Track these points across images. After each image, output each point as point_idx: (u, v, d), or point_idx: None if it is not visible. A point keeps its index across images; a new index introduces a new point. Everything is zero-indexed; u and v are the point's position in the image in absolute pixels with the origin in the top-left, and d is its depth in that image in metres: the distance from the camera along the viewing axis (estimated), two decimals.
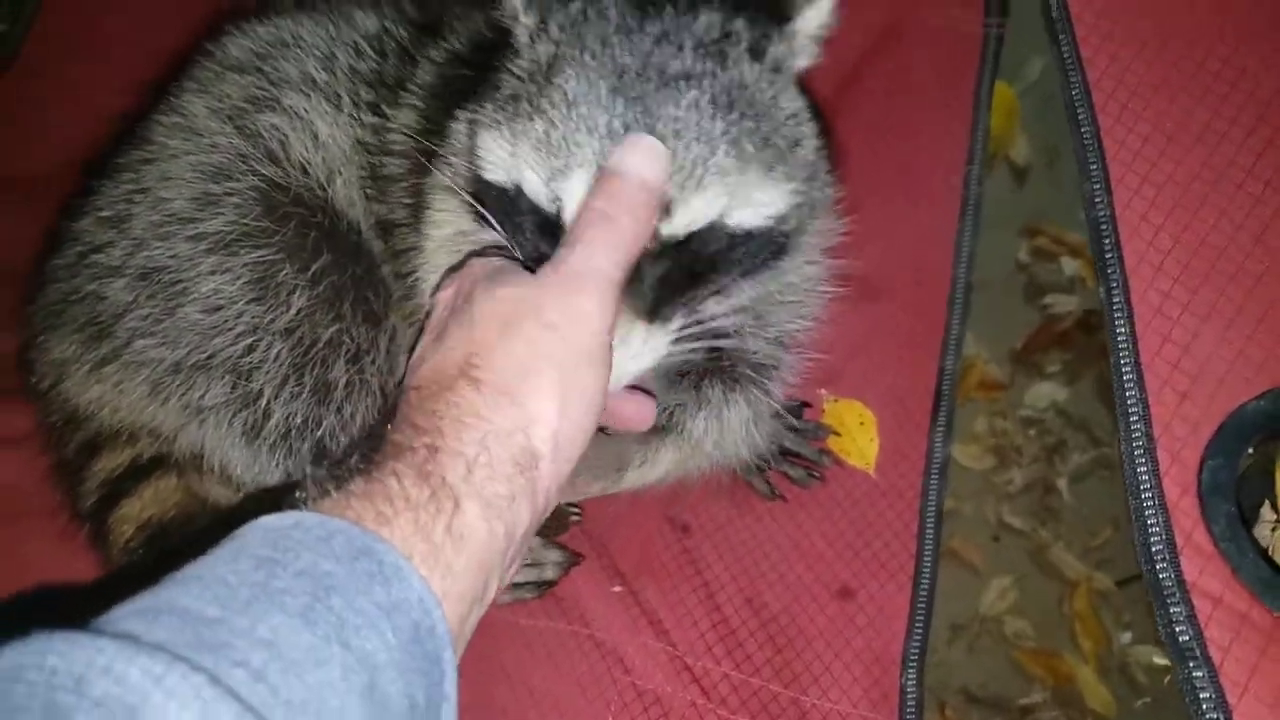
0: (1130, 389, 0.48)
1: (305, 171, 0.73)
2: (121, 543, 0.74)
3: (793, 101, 0.58)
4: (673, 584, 0.71)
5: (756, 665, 0.65)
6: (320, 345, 0.73)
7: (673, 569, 0.71)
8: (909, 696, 0.64)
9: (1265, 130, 0.57)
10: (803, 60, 0.57)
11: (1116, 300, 0.51)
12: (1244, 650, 0.40)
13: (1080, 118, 0.58)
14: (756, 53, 0.55)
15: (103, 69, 1.06)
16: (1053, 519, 1.17)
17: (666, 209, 0.51)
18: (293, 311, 0.73)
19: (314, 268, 0.72)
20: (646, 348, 0.53)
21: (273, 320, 0.73)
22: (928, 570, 0.68)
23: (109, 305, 0.75)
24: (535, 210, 0.54)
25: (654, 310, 0.52)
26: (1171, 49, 0.60)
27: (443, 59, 0.73)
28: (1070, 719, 1.27)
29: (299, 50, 0.76)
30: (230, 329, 0.72)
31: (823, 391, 0.79)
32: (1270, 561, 0.44)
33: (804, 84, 0.60)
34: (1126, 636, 1.11)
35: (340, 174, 0.73)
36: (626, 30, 0.54)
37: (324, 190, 0.73)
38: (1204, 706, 0.38)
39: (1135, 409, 0.47)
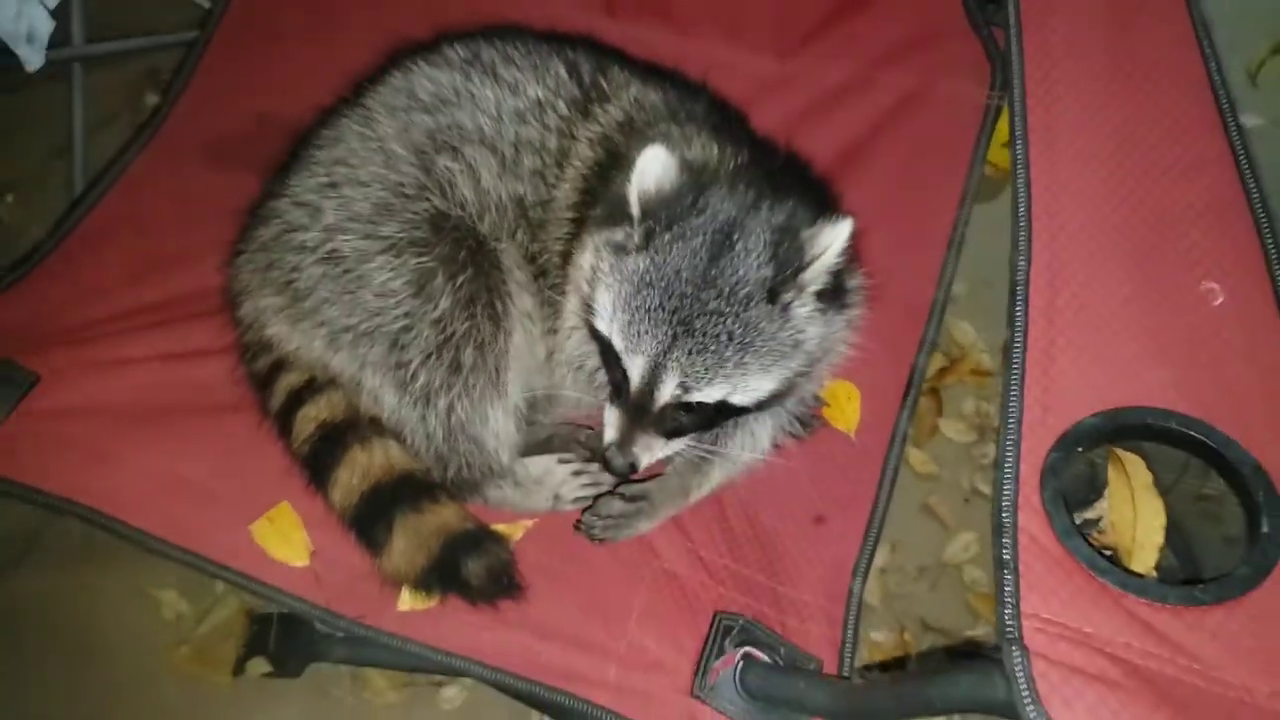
0: (1013, 403, 0.70)
1: (463, 207, 0.96)
2: (302, 436, 0.98)
3: (800, 312, 0.84)
4: (699, 506, 0.97)
5: (749, 561, 0.91)
6: (457, 335, 0.95)
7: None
8: (854, 596, 0.90)
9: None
10: (815, 286, 0.83)
11: (1017, 342, 0.75)
12: (1039, 566, 0.64)
13: (1020, 212, 0.80)
14: (772, 296, 0.82)
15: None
16: None
17: (686, 389, 0.82)
18: (441, 308, 0.95)
19: (460, 278, 0.95)
20: (663, 452, 0.87)
21: (425, 312, 0.95)
22: (880, 510, 0.94)
23: (304, 277, 0.98)
24: (616, 360, 0.84)
25: (670, 434, 0.86)
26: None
27: (595, 136, 0.97)
28: None
29: (474, 106, 0.98)
30: (393, 312, 0.95)
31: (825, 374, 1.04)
32: (1072, 520, 0.69)
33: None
34: None
35: (490, 213, 0.97)
36: (692, 268, 0.81)
37: (475, 223, 0.96)
38: (1005, 594, 0.63)
39: (1014, 416, 0.70)
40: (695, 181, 0.85)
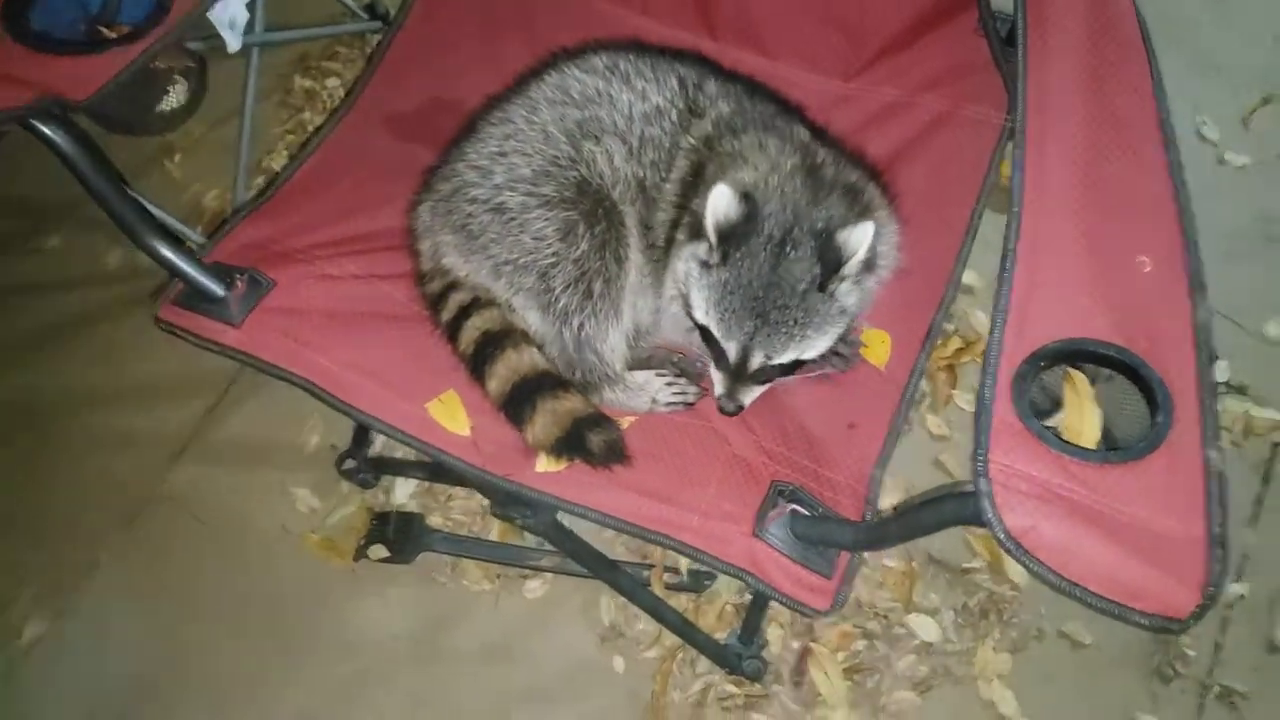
0: (997, 331, 0.93)
1: (601, 178, 1.26)
2: (467, 340, 1.26)
3: (842, 289, 1.16)
4: (760, 409, 1.25)
5: (799, 450, 1.20)
6: (591, 271, 1.24)
7: (760, 404, 1.26)
8: (875, 479, 1.19)
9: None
10: (852, 273, 1.15)
11: (1004, 292, 1.03)
12: (1004, 433, 0.89)
13: (1014, 202, 1.08)
14: (821, 287, 1.15)
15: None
16: None
17: (769, 357, 1.16)
18: (580, 249, 1.24)
19: (596, 229, 1.24)
20: (758, 393, 1.21)
21: (569, 252, 1.24)
22: (899, 422, 1.23)
23: (476, 223, 1.28)
24: (715, 342, 1.18)
25: (761, 383, 1.21)
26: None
27: (689, 146, 1.28)
28: (995, 582, 1.83)
29: (612, 106, 1.29)
30: (545, 251, 1.25)
31: (864, 322, 1.35)
32: (1030, 409, 0.98)
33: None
34: None
35: (619, 185, 1.27)
36: (760, 275, 1.14)
37: (609, 191, 1.26)
38: (978, 449, 0.92)
39: (997, 340, 0.94)
40: (752, 207, 1.15)
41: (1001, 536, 0.84)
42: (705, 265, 1.18)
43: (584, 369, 1.26)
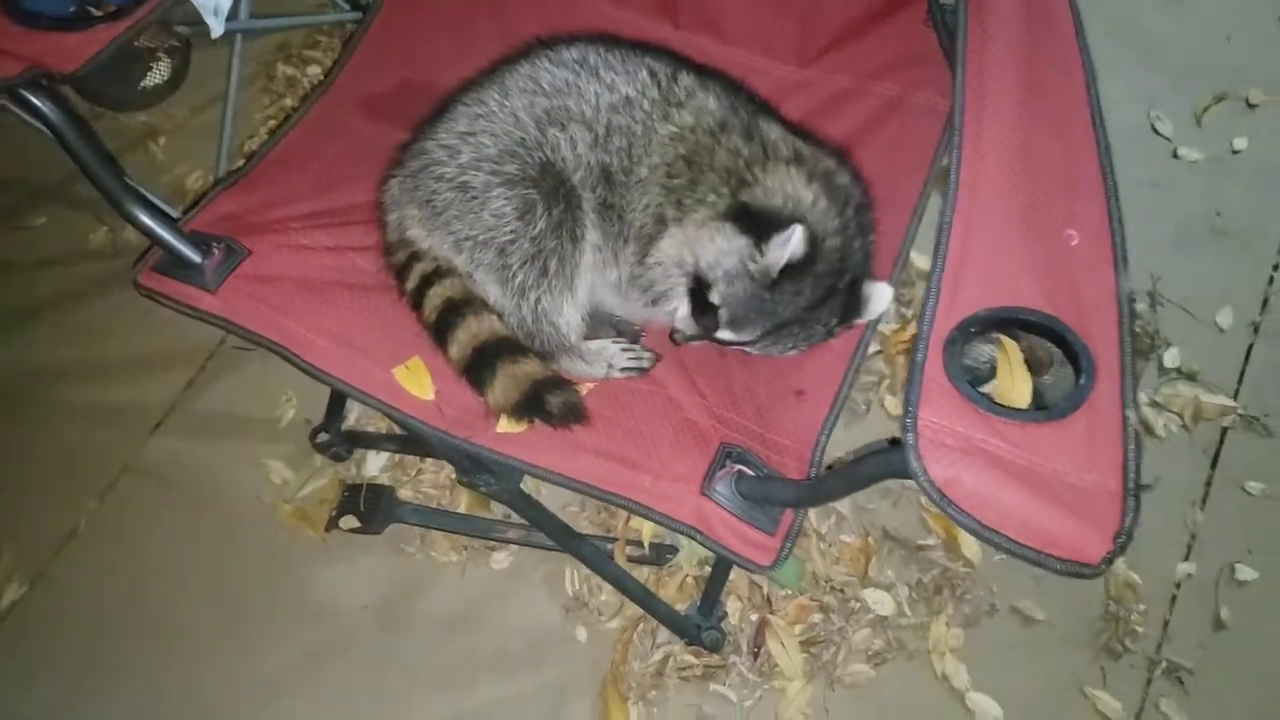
0: (932, 301, 0.96)
1: (564, 163, 1.31)
2: (430, 308, 1.30)
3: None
4: (712, 375, 1.31)
5: (747, 415, 1.25)
6: (546, 249, 1.28)
7: (712, 370, 1.32)
8: (819, 445, 1.24)
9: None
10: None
11: (938, 264, 1.07)
12: (934, 392, 0.91)
13: (952, 181, 1.13)
14: (831, 332, 1.27)
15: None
16: None
17: (751, 347, 1.28)
18: (538, 228, 1.28)
19: (554, 209, 1.29)
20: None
21: (526, 230, 1.28)
22: (845, 391, 1.28)
23: (440, 199, 1.33)
24: (714, 316, 1.25)
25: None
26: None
27: (672, 134, 1.33)
28: (950, 560, 1.88)
29: (580, 97, 1.34)
30: (504, 228, 1.29)
31: None
32: (961, 372, 1.04)
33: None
34: None
35: (580, 171, 1.32)
36: (793, 311, 1.24)
37: (570, 175, 1.31)
38: (909, 406, 0.97)
39: (930, 309, 0.97)
40: (814, 253, 1.22)
41: (926, 485, 0.88)
42: (748, 272, 1.23)
43: (541, 339, 1.31)
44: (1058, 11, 1.20)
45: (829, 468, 1.26)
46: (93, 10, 1.61)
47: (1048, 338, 1.08)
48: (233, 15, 1.94)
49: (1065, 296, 1.06)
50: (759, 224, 1.22)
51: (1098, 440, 0.93)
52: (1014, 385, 1.12)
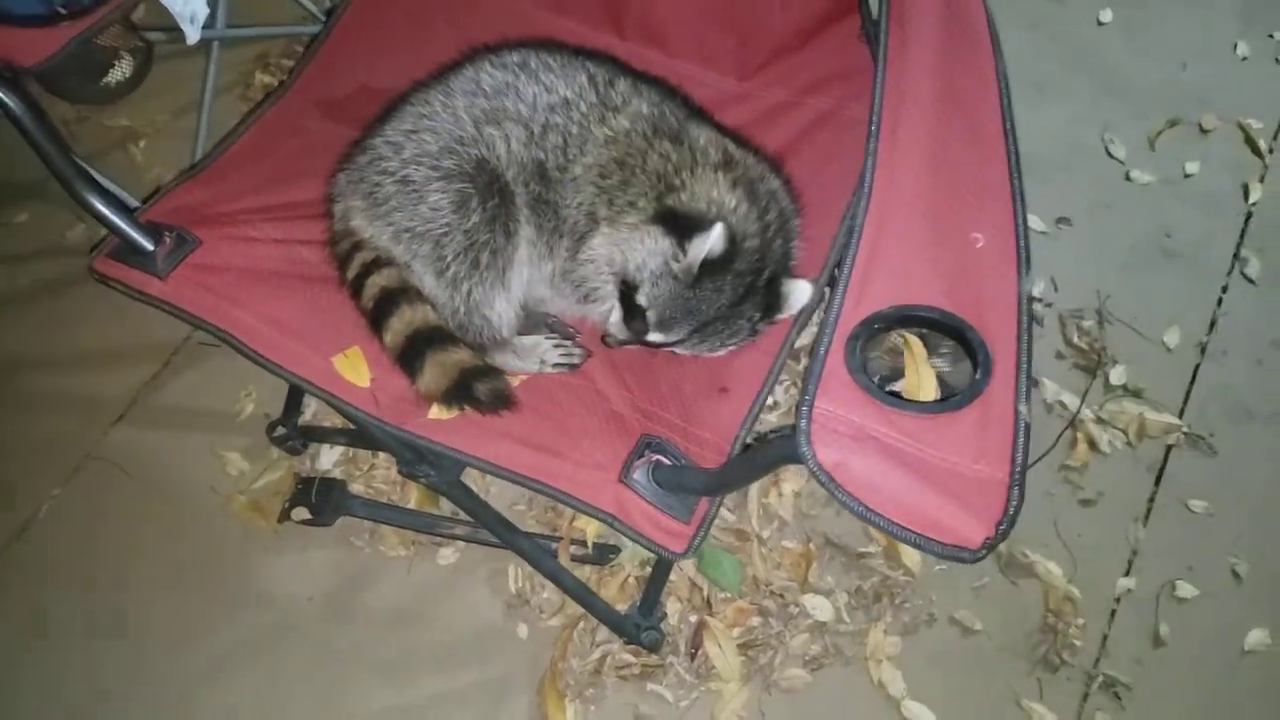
0: (836, 301, 0.98)
1: (498, 159, 1.36)
2: (367, 295, 1.34)
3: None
4: (640, 372, 1.35)
5: (670, 409, 1.29)
6: (479, 242, 1.33)
7: (640, 367, 1.36)
8: (738, 440, 1.27)
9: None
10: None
11: (848, 264, 1.11)
12: (833, 384, 0.97)
13: (864, 185, 1.18)
14: (755, 330, 1.33)
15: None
16: None
17: (678, 348, 1.35)
18: (471, 222, 1.33)
19: (488, 204, 1.33)
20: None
21: (460, 223, 1.33)
22: (766, 390, 1.31)
23: (382, 192, 1.37)
24: (643, 318, 1.30)
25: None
26: None
27: (608, 136, 1.38)
28: (890, 568, 1.91)
29: (518, 98, 1.38)
30: (439, 220, 1.33)
31: None
32: (863, 367, 1.08)
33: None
34: None
35: (514, 167, 1.36)
36: (716, 308, 1.29)
37: (504, 171, 1.36)
38: (805, 396, 1.00)
39: (835, 308, 0.97)
40: (733, 250, 1.26)
41: (813, 468, 0.91)
42: (671, 273, 1.28)
43: (474, 332, 1.35)
44: (975, 24, 1.25)
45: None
46: (60, 10, 1.67)
47: (948, 334, 1.11)
48: (209, 24, 1.99)
49: (966, 296, 1.09)
50: (682, 226, 1.27)
51: (989, 432, 0.96)
52: (919, 381, 1.15)
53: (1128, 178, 2.52)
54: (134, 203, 1.85)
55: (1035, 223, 2.39)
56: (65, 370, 2.19)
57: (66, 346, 2.23)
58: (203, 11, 1.93)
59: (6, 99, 1.21)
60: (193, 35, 1.94)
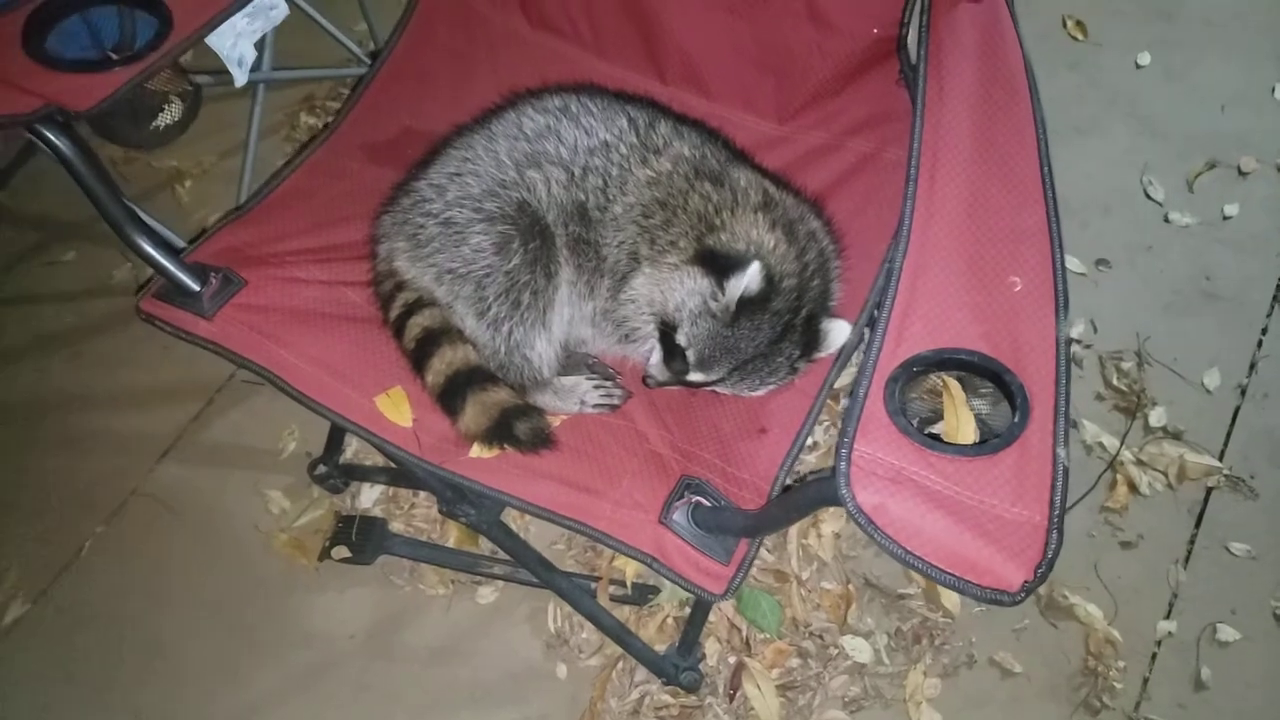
0: (876, 344, 0.99)
1: (539, 202, 1.39)
2: (410, 336, 1.37)
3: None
4: (679, 412, 1.37)
5: (710, 450, 1.29)
6: (521, 282, 1.35)
7: (679, 407, 1.37)
8: (777, 480, 1.27)
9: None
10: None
11: (887, 307, 1.13)
12: (871, 426, 0.98)
13: (903, 230, 1.19)
14: (794, 368, 1.34)
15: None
16: None
17: (719, 387, 1.37)
18: (513, 263, 1.35)
19: (529, 245, 1.36)
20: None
21: (502, 264, 1.35)
22: (806, 431, 1.32)
23: (425, 233, 1.40)
24: (683, 359, 1.32)
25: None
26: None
27: (649, 179, 1.41)
28: (930, 610, 1.89)
29: (559, 141, 1.41)
30: (481, 262, 1.36)
31: None
32: (901, 409, 1.08)
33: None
34: None
35: (554, 209, 1.39)
36: (756, 347, 1.31)
37: (544, 214, 1.39)
38: (844, 437, 1.01)
39: (874, 351, 1.01)
40: (770, 290, 1.28)
41: (852, 511, 0.92)
42: (709, 311, 1.30)
43: (515, 372, 1.37)
44: (1013, 68, 1.26)
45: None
46: (111, 55, 1.72)
47: (986, 378, 1.12)
48: (256, 66, 2.05)
49: (1004, 339, 1.10)
50: (721, 265, 1.28)
51: (1027, 475, 0.97)
52: (958, 424, 1.16)
53: (1167, 220, 2.52)
54: (180, 243, 1.90)
55: (1074, 264, 2.39)
56: (110, 408, 2.24)
57: (111, 384, 2.28)
58: (250, 54, 1.99)
59: (58, 142, 1.26)
60: (240, 78, 2.00)
